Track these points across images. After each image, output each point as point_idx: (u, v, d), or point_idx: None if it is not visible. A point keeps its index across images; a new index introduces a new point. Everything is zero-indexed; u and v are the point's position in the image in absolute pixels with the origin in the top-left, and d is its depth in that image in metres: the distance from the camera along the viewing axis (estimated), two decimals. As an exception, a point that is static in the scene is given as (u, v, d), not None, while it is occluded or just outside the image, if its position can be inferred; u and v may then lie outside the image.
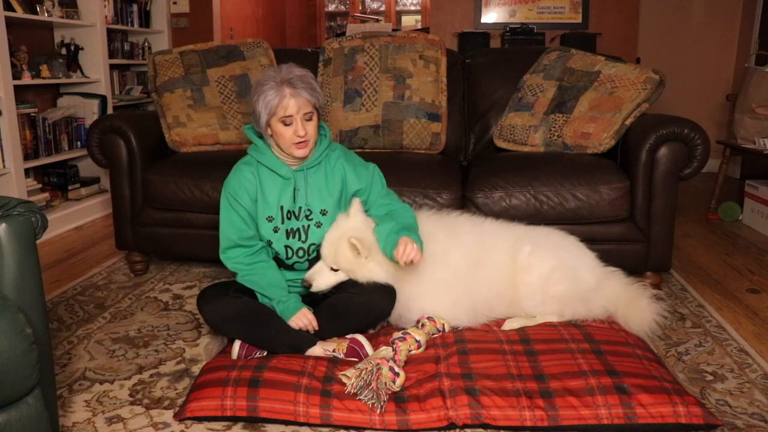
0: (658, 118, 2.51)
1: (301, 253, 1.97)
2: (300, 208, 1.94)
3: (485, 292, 2.05)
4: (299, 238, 1.95)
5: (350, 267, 1.91)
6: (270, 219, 1.93)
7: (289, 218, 1.94)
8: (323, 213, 1.96)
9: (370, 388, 1.62)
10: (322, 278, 1.94)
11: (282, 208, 1.93)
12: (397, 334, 1.88)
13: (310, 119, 1.86)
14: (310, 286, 1.94)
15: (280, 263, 2.00)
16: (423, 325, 1.97)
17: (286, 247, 1.95)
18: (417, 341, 1.87)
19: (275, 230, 1.93)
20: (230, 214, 1.94)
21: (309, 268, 1.98)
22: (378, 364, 1.68)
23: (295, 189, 1.94)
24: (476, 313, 2.06)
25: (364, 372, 1.66)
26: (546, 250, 2.06)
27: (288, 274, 2.01)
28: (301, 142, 1.86)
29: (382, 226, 1.91)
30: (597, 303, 2.06)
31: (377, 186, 2.03)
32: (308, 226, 1.95)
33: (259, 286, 1.93)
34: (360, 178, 2.00)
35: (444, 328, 2.00)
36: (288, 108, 1.82)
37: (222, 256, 1.97)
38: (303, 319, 1.88)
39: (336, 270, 1.94)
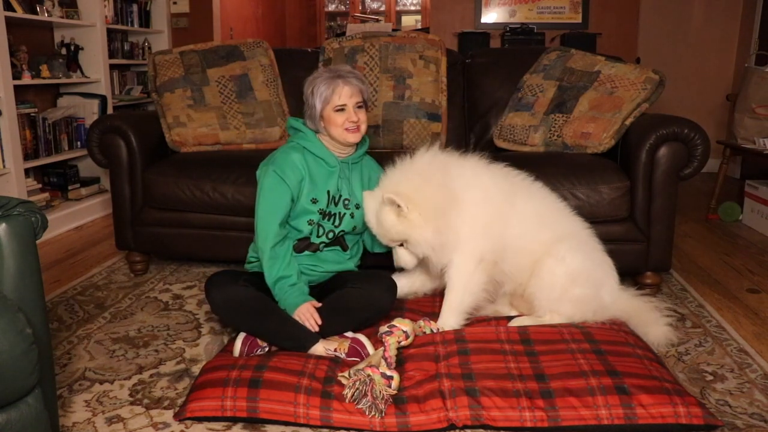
0: (658, 118, 2.51)
1: (331, 234, 2.07)
2: (340, 195, 2.05)
3: (514, 237, 2.01)
4: (333, 222, 2.06)
5: (404, 233, 1.91)
6: (314, 201, 2.01)
7: (331, 203, 2.04)
8: (357, 207, 2.08)
9: (366, 398, 1.61)
10: (402, 257, 1.99)
11: (329, 192, 2.03)
12: (383, 328, 1.86)
13: (361, 107, 2.02)
14: (402, 269, 2.07)
15: (305, 246, 2.06)
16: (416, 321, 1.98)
17: (319, 226, 2.04)
18: (404, 332, 1.84)
19: (320, 211, 2.02)
20: (280, 185, 1.96)
21: (328, 245, 2.07)
22: (369, 374, 1.64)
23: (339, 178, 2.05)
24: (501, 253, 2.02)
25: (358, 383, 1.63)
26: (582, 252, 2.03)
27: (305, 259, 2.06)
28: (353, 128, 1.99)
29: None
30: (606, 315, 2.05)
31: None
32: (344, 214, 2.07)
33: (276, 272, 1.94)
34: None
35: (438, 331, 1.99)
36: (342, 95, 1.97)
37: (265, 254, 1.94)
38: (306, 313, 1.90)
39: (402, 244, 1.96)
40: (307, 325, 1.89)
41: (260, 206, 1.97)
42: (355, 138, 2.00)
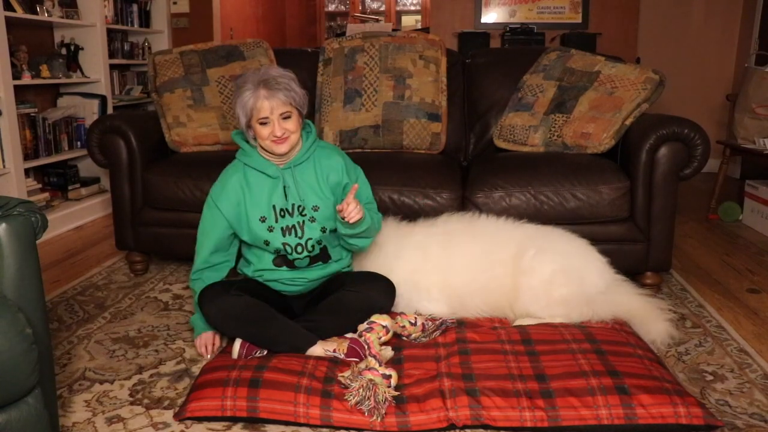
0: (658, 118, 2.51)
1: (300, 249, 1.97)
2: (293, 204, 1.96)
3: (463, 285, 2.12)
4: (295, 235, 1.96)
5: None
6: (263, 219, 1.95)
7: (282, 216, 1.95)
8: (315, 209, 1.97)
9: (368, 401, 1.60)
10: None
11: (274, 207, 1.95)
12: (363, 326, 1.87)
13: (288, 117, 1.88)
14: None
15: (283, 261, 2.00)
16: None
17: (284, 244, 1.96)
18: (384, 327, 1.85)
19: (270, 229, 1.94)
20: (214, 212, 1.99)
21: (310, 263, 2.00)
22: (370, 379, 1.63)
23: (284, 186, 1.96)
24: (460, 303, 2.13)
25: (361, 389, 1.62)
26: (548, 253, 2.06)
27: (286, 273, 2.01)
28: (278, 140, 1.88)
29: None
30: (605, 307, 2.05)
31: (366, 190, 2.07)
32: (303, 222, 1.96)
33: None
34: (349, 173, 2.04)
35: (416, 321, 1.99)
36: (262, 110, 1.85)
37: (193, 274, 2.04)
38: (204, 341, 2.01)
39: None
40: (200, 350, 2.00)
41: (198, 230, 2.02)
42: (281, 149, 1.89)
